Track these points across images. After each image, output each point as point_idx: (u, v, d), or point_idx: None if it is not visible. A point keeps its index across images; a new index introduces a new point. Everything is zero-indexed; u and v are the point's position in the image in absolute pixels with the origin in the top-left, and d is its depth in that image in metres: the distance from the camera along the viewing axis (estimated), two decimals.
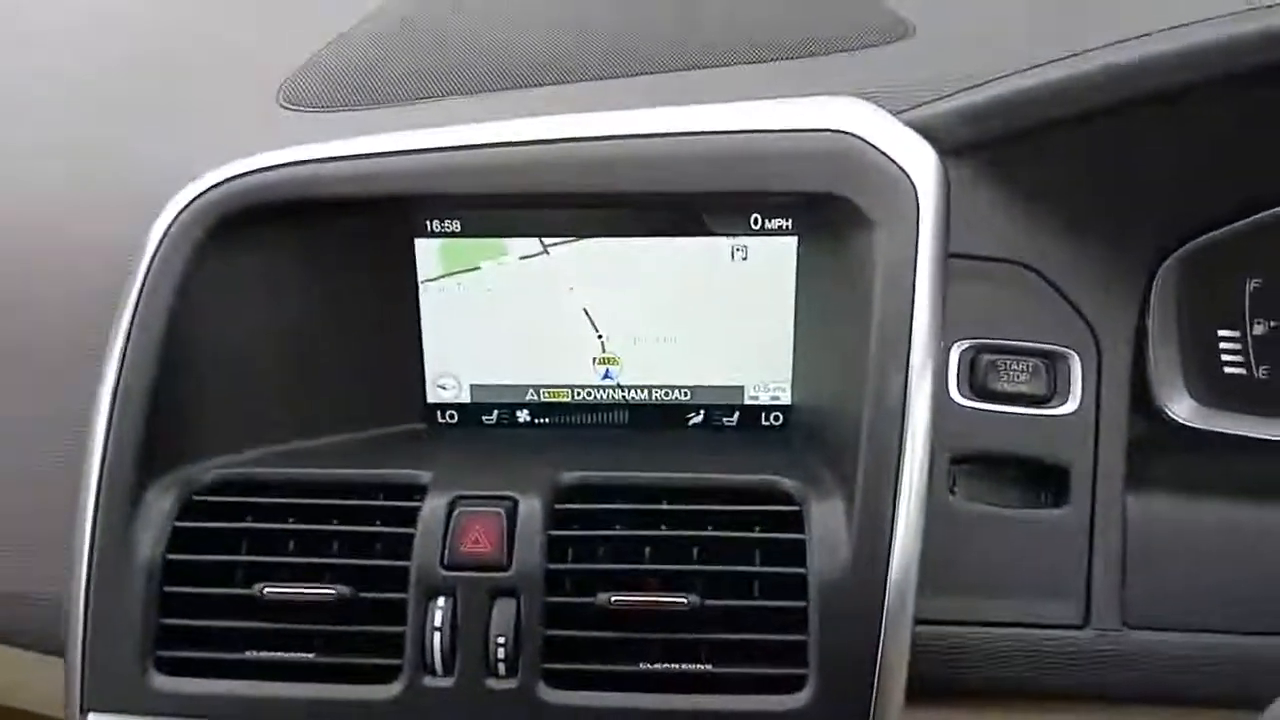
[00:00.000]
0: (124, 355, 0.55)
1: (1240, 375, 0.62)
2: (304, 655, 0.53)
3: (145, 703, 0.53)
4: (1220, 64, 0.51)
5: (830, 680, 0.51)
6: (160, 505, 0.55)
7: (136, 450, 0.54)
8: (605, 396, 0.64)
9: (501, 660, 0.52)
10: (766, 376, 0.63)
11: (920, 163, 0.54)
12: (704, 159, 0.55)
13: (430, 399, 0.64)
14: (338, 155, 0.56)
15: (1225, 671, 0.56)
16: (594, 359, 0.63)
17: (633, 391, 0.64)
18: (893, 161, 0.54)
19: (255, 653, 0.53)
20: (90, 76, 0.72)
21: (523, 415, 0.65)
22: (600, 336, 0.62)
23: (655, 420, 0.64)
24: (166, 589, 0.53)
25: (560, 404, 0.64)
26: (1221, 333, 0.62)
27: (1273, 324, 0.61)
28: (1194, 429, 0.61)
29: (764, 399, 0.63)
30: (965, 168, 0.57)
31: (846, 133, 0.54)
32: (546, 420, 0.64)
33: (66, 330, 0.60)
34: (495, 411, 0.65)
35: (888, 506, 0.51)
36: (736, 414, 0.64)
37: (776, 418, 0.63)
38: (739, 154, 0.55)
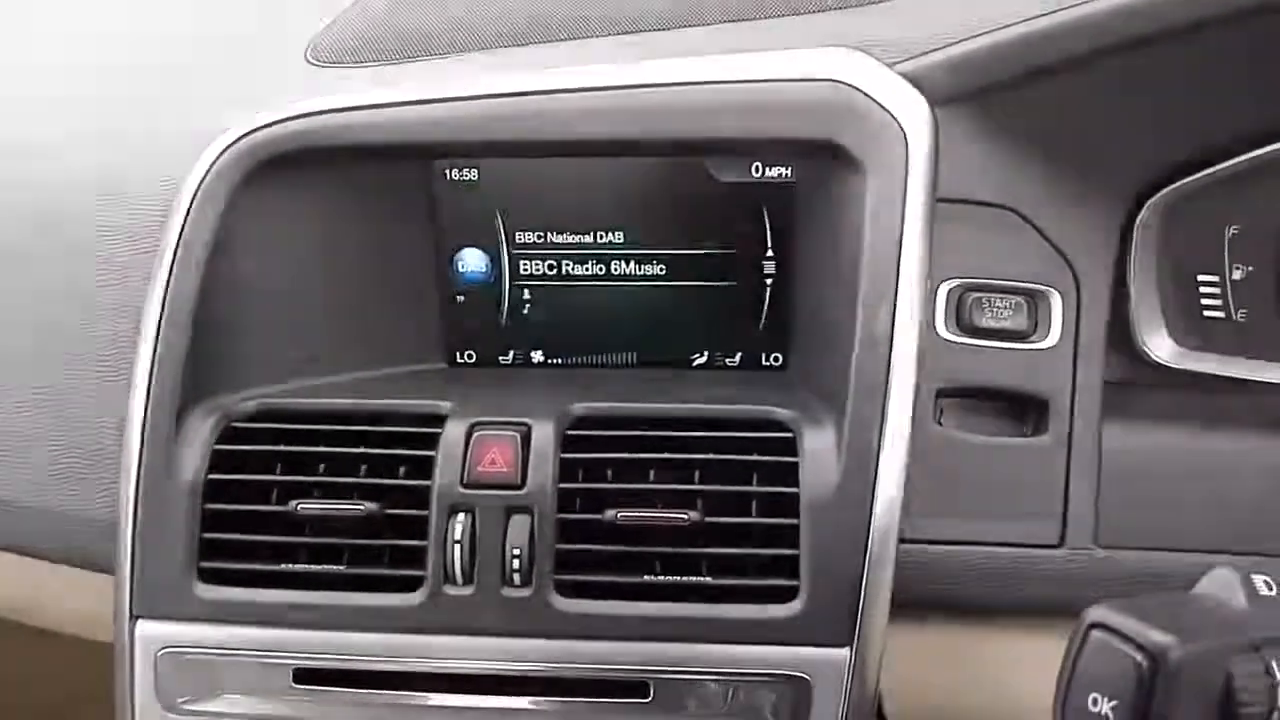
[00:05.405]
0: (166, 291, 0.59)
1: (1219, 319, 0.64)
2: (335, 567, 0.58)
3: (190, 609, 0.57)
4: (1185, 10, 0.54)
5: (819, 591, 0.55)
6: (201, 430, 0.59)
7: (178, 378, 0.58)
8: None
9: (517, 571, 0.56)
10: (767, 319, 0.66)
11: (911, 110, 0.57)
12: (708, 107, 0.58)
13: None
14: (363, 104, 0.60)
15: (1191, 585, 0.60)
16: None
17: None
18: (885, 109, 0.57)
19: (290, 565, 0.58)
20: (129, 40, 0.75)
21: (536, 356, 0.69)
22: None
23: (661, 361, 0.68)
24: (208, 506, 0.58)
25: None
26: (1201, 277, 0.64)
27: (1251, 269, 0.64)
28: (1173, 368, 0.64)
29: (764, 342, 0.67)
30: (953, 116, 0.60)
31: (842, 82, 0.57)
32: (558, 360, 0.68)
33: (114, 268, 0.64)
34: (510, 352, 0.69)
35: (875, 434, 0.55)
36: (739, 355, 0.67)
37: (776, 359, 0.67)
38: (741, 102, 0.58)
